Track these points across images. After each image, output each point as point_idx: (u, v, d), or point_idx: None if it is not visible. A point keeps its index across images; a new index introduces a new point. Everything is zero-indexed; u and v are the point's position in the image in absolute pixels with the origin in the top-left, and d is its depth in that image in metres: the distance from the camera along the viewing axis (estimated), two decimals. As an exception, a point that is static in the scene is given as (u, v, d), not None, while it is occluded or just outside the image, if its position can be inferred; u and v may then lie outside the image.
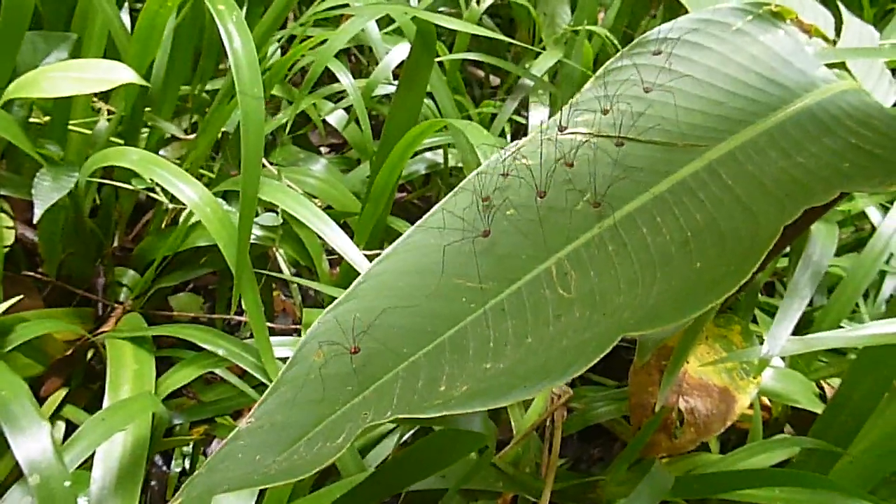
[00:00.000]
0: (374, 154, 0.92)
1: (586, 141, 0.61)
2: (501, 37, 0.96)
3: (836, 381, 1.01)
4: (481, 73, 1.40)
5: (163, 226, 0.89)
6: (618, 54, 0.65)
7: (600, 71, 0.64)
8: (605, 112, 0.62)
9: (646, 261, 0.52)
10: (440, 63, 1.16)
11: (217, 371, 0.83)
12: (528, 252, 0.56)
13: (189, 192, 0.72)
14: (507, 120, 1.18)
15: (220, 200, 0.76)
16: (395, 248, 0.60)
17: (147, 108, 0.91)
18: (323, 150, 1.49)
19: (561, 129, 0.63)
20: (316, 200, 0.97)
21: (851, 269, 0.99)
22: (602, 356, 0.43)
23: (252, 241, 0.93)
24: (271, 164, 1.06)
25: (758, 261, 0.45)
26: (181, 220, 0.86)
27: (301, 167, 1.08)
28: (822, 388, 1.01)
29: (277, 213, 0.94)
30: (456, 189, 0.62)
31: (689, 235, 0.52)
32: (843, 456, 0.83)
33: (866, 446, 0.84)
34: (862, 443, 0.85)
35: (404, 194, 1.36)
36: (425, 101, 1.15)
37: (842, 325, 1.04)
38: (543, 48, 1.24)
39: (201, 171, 0.99)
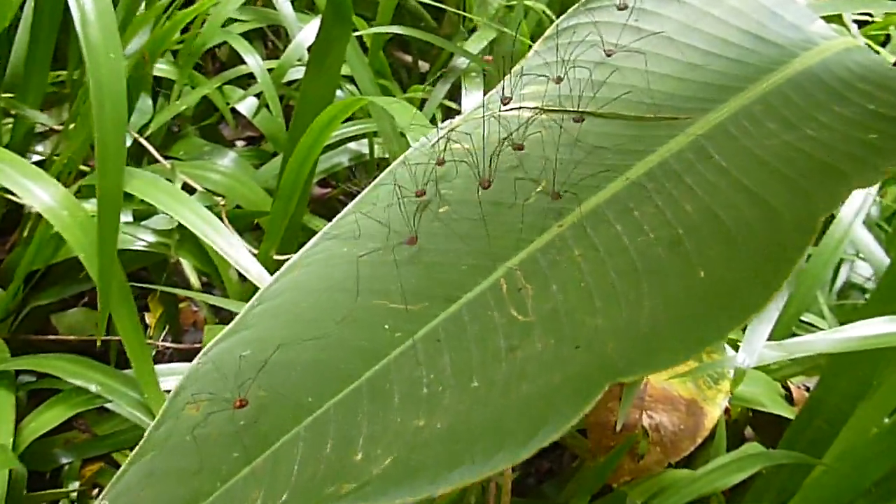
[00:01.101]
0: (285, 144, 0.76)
1: (536, 116, 0.46)
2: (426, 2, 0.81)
3: (802, 380, 0.90)
4: (409, 58, 1.24)
5: (24, 234, 0.72)
6: (570, 10, 0.51)
7: (550, 30, 0.50)
8: (558, 81, 0.48)
9: (625, 268, 0.38)
10: (361, 42, 1.01)
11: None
12: (469, 261, 0.41)
13: (41, 193, 0.56)
14: (438, 105, 1.03)
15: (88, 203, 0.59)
16: (297, 261, 0.45)
17: (8, 95, 0.73)
18: (239, 143, 1.31)
19: (505, 102, 0.49)
20: (219, 199, 0.80)
21: (811, 258, 0.88)
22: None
23: (144, 249, 0.76)
24: (167, 157, 0.90)
25: (792, 263, 0.31)
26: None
27: (205, 161, 0.91)
28: (787, 389, 0.89)
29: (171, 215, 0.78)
30: (373, 183, 0.47)
31: (681, 233, 0.38)
32: (818, 465, 0.72)
33: (843, 454, 0.72)
34: (838, 451, 0.73)
35: (328, 190, 1.20)
36: (347, 86, 1.00)
37: (803, 318, 0.93)
38: (475, 30, 1.09)
39: (86, 167, 0.82)
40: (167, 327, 0.97)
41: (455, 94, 1.10)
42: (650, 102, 0.45)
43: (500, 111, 0.48)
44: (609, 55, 0.47)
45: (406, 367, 0.38)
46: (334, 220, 0.47)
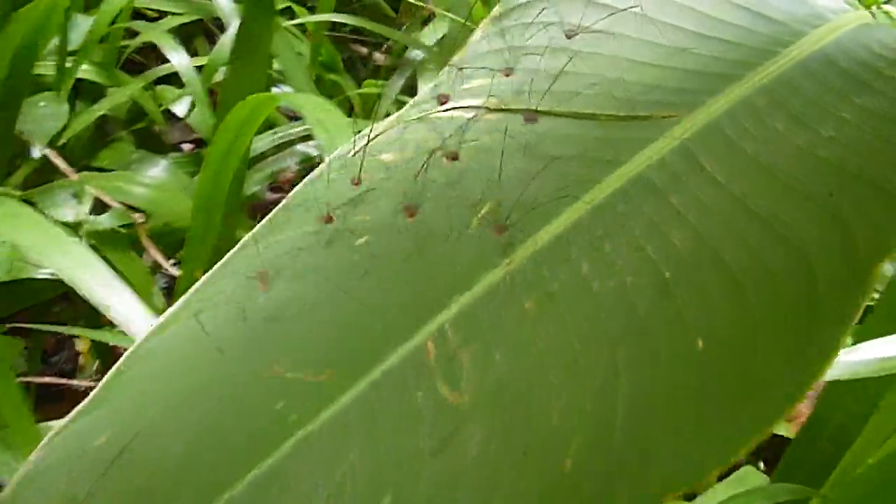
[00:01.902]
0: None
1: (479, 118, 0.36)
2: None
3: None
4: (364, 50, 1.13)
5: None
6: (522, -17, 0.40)
7: (496, 10, 0.39)
8: (507, 73, 0.37)
9: (592, 330, 0.27)
10: (303, 30, 0.90)
11: None
12: (391, 314, 0.30)
13: None
14: (393, 100, 0.92)
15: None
16: (179, 310, 0.34)
17: None
18: (187, 146, 1.20)
19: (442, 101, 0.38)
20: (137, 216, 0.69)
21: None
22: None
23: (48, 278, 0.65)
24: (89, 168, 0.78)
25: (838, 333, 0.21)
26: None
27: (130, 172, 0.80)
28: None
29: (80, 237, 0.66)
30: (275, 210, 0.37)
31: (668, 277, 0.27)
32: (820, 496, 0.63)
33: (848, 482, 0.63)
34: (843, 477, 0.63)
35: (281, 195, 1.09)
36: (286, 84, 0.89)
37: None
38: (432, 16, 0.98)
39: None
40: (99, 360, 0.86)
41: (413, 87, 0.99)
42: (623, 97, 0.35)
43: (432, 112, 0.37)
44: (570, 37, 0.37)
45: (301, 469, 0.27)
46: (230, 252, 0.37)
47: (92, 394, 0.34)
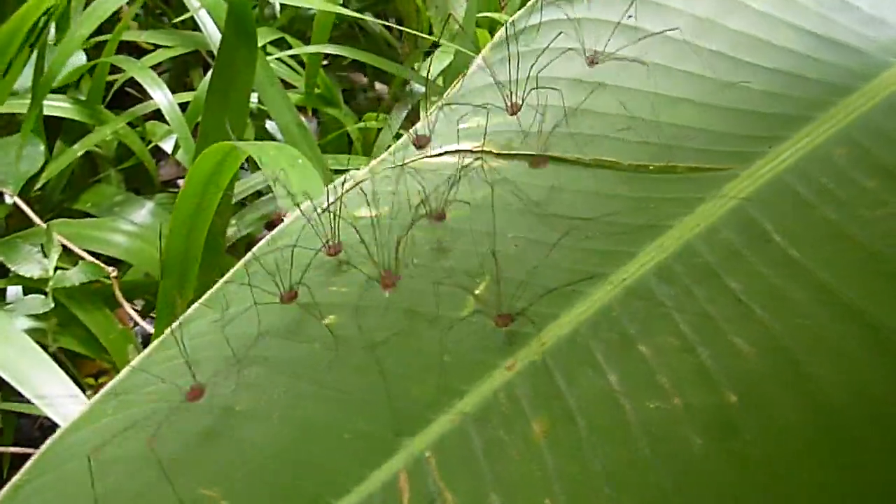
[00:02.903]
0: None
1: (474, 166, 0.28)
2: (370, 19, 0.63)
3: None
4: (365, 80, 1.06)
5: None
6: (530, 3, 0.33)
7: (499, 34, 0.32)
8: (513, 111, 0.30)
9: (626, 471, 0.19)
10: (300, 62, 0.83)
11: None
12: (356, 426, 0.22)
13: None
14: (394, 135, 0.84)
15: None
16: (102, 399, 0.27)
17: None
18: (181, 182, 1.13)
19: (420, 144, 0.31)
20: (111, 269, 0.61)
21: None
22: None
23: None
24: (68, 212, 0.71)
25: None
26: None
27: (113, 215, 0.72)
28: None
29: (46, 293, 0.59)
30: (224, 278, 0.29)
31: (734, 402, 0.19)
32: None
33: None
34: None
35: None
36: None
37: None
38: (436, 46, 0.91)
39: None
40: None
41: (415, 120, 0.92)
42: (659, 143, 0.27)
43: (419, 158, 0.29)
44: (593, 65, 0.29)
45: None
46: (164, 333, 0.29)
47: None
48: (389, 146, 0.84)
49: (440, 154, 0.30)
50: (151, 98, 0.82)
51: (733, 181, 0.25)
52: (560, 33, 0.31)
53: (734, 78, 0.28)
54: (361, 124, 0.85)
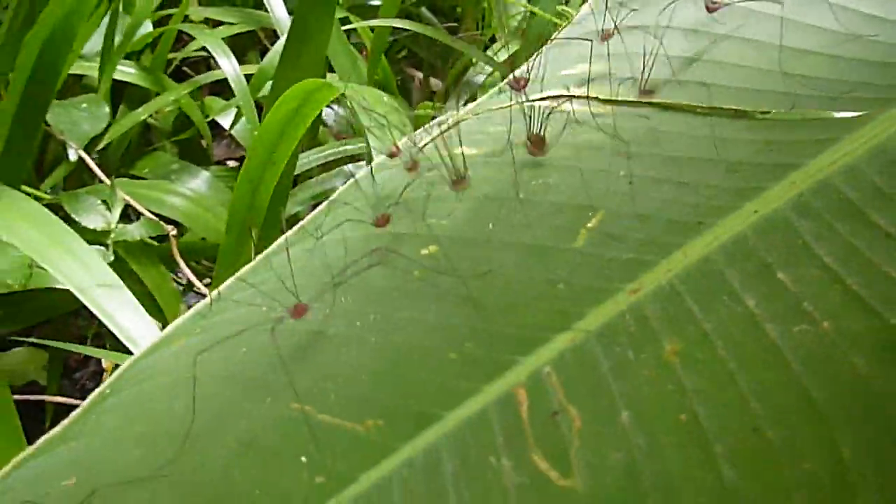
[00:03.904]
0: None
1: (586, 110, 0.27)
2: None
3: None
4: (419, 74, 1.05)
5: None
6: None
7: (610, -20, 0.31)
8: (604, 38, 0.29)
9: (786, 396, 0.18)
10: (360, 50, 0.82)
11: None
12: (466, 346, 0.21)
13: None
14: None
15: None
16: (181, 327, 0.26)
17: None
18: (231, 163, 1.13)
19: (520, 86, 0.30)
20: (170, 228, 0.61)
21: None
22: None
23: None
24: (128, 175, 0.71)
25: None
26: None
27: (167, 182, 0.72)
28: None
29: (108, 246, 0.59)
30: (320, 208, 0.28)
31: (894, 323, 0.18)
32: None
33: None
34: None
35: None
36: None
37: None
38: (493, 40, 0.90)
39: None
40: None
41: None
42: (782, 91, 0.26)
43: (523, 101, 0.28)
44: (712, 11, 0.28)
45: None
46: (254, 260, 0.28)
47: (64, 422, 0.25)
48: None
49: (544, 99, 0.29)
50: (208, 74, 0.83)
51: (870, 124, 0.23)
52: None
53: (859, 30, 0.27)
54: (418, 111, 0.84)
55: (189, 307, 0.74)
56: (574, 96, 0.29)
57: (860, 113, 0.24)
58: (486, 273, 0.23)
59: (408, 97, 1.07)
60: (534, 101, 0.29)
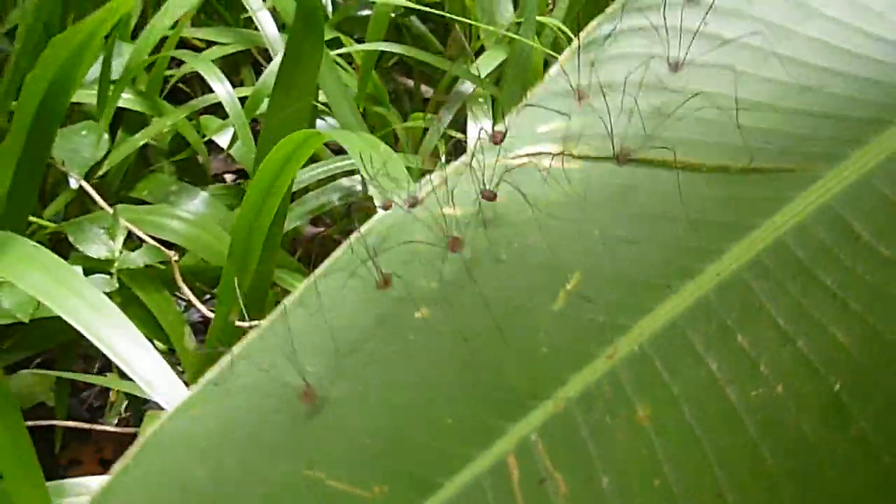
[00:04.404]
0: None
1: (557, 166, 0.29)
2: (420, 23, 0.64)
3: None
4: (410, 83, 1.07)
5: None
6: (608, 11, 0.33)
7: (582, 35, 0.32)
8: (593, 114, 0.30)
9: (740, 456, 0.20)
10: (349, 62, 0.84)
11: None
12: (458, 413, 0.23)
13: None
14: (440, 136, 0.85)
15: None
16: (206, 389, 0.28)
17: None
18: (229, 177, 1.14)
19: (497, 140, 0.31)
20: (172, 254, 0.63)
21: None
22: None
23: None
24: (128, 199, 0.73)
25: None
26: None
27: (167, 205, 0.74)
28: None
29: (112, 274, 0.60)
30: (321, 268, 0.30)
31: (837, 387, 0.20)
32: None
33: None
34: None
35: (321, 229, 1.02)
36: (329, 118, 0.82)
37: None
38: (481, 51, 0.92)
39: None
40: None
41: (461, 121, 0.93)
42: (741, 146, 0.27)
43: (502, 159, 0.30)
44: (675, 70, 0.29)
45: None
46: (259, 327, 0.30)
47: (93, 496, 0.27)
48: (435, 146, 0.84)
49: (525, 156, 0.31)
50: (203, 95, 0.84)
51: (819, 181, 0.25)
52: (638, 35, 0.31)
53: (812, 83, 0.29)
54: (409, 123, 0.86)
55: (191, 325, 0.75)
56: (549, 153, 0.30)
57: (811, 169, 0.26)
58: (475, 336, 0.25)
59: (400, 105, 1.08)
60: (511, 158, 0.31)
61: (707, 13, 0.30)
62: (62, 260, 0.46)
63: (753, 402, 0.20)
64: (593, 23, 0.34)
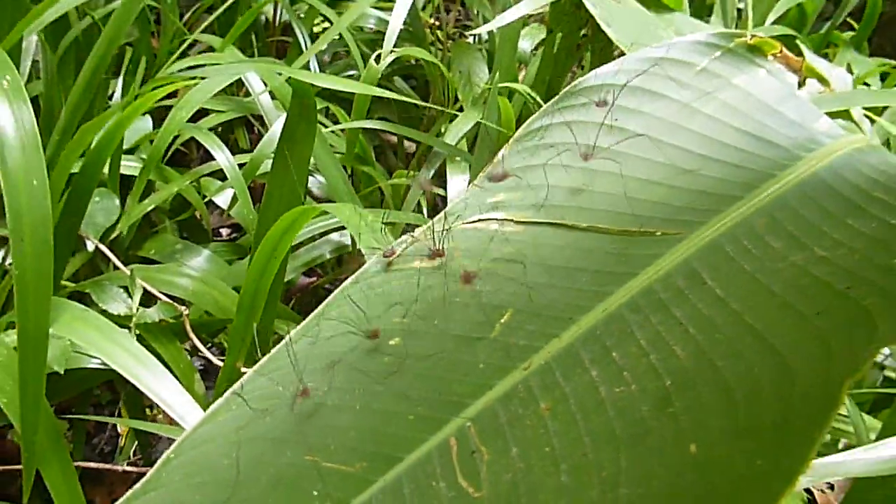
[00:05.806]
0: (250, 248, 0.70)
1: (504, 230, 0.40)
2: (405, 98, 0.76)
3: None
4: (394, 139, 1.19)
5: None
6: (542, 109, 0.45)
7: (520, 132, 0.44)
8: (529, 189, 0.42)
9: (601, 431, 0.30)
10: (334, 121, 0.96)
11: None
12: (419, 410, 0.34)
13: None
14: (421, 192, 0.97)
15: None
16: (226, 402, 0.38)
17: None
18: (224, 231, 1.26)
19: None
20: (183, 308, 0.74)
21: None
22: None
23: (96, 367, 0.70)
24: (137, 259, 0.84)
25: (811, 444, 0.24)
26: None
27: (173, 264, 0.85)
28: (809, 493, 0.80)
29: (130, 328, 0.71)
30: (317, 311, 0.41)
31: (669, 385, 0.31)
32: None
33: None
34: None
35: (313, 279, 1.14)
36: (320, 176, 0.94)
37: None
38: (461, 109, 1.04)
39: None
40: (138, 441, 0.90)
41: (441, 175, 1.05)
42: (631, 214, 0.39)
43: (461, 224, 0.41)
44: (586, 159, 0.41)
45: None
46: (270, 353, 0.41)
47: (143, 479, 0.38)
48: (418, 201, 0.96)
49: (478, 221, 0.42)
50: (198, 152, 0.96)
51: (683, 242, 0.36)
52: (562, 137, 0.43)
53: (689, 166, 0.40)
54: (393, 181, 0.98)
55: (198, 371, 0.86)
56: (496, 219, 0.42)
57: (680, 233, 0.37)
58: (431, 356, 0.36)
59: (385, 159, 1.21)
60: (465, 224, 0.42)
61: (608, 113, 0.42)
62: (108, 320, 0.57)
63: (616, 396, 0.31)
64: (533, 117, 0.46)
